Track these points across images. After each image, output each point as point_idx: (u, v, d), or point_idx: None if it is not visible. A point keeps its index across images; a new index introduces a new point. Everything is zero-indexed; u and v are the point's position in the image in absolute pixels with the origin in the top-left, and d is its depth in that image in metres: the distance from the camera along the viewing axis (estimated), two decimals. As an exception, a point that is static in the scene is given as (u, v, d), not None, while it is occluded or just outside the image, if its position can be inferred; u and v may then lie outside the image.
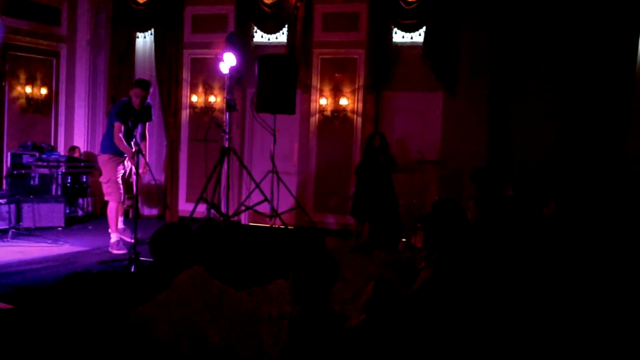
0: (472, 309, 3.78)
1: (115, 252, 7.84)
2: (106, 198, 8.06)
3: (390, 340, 3.51)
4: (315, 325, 2.58)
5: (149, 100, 8.00)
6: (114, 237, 7.97)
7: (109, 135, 7.87)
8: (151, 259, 6.97)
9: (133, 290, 4.12)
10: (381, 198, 9.26)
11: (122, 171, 7.99)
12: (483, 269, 4.01)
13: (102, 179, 8.01)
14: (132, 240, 7.12)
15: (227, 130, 8.96)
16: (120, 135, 7.63)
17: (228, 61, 8.79)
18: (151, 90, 8.02)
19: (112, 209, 7.94)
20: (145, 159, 7.90)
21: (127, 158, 7.92)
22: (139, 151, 7.12)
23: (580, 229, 5.72)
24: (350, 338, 3.55)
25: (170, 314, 2.40)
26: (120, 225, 8.15)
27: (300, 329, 2.48)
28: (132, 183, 7.87)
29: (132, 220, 7.21)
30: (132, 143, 7.35)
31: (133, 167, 7.50)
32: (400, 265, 6.59)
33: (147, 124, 8.22)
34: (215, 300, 2.44)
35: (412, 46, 10.15)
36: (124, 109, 7.74)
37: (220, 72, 9.35)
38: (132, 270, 6.65)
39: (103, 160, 7.98)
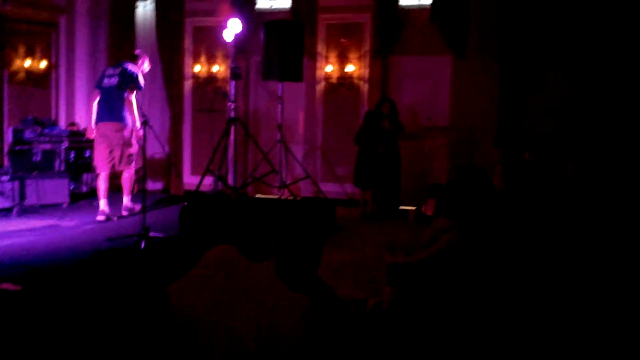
0: (500, 277, 3.65)
1: (130, 208, 8.20)
2: (125, 169, 8.17)
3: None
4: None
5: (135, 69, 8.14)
6: (125, 201, 8.28)
7: (123, 105, 7.95)
8: (160, 235, 6.81)
9: (159, 267, 3.93)
10: (385, 165, 9.08)
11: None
12: (512, 236, 3.86)
13: (133, 150, 8.07)
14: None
15: (234, 100, 8.73)
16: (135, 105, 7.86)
17: (233, 27, 8.53)
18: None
19: (132, 175, 8.31)
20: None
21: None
22: (145, 122, 6.94)
23: (603, 190, 5.53)
24: (380, 317, 3.40)
25: (205, 294, 2.22)
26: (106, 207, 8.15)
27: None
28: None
29: (139, 194, 7.14)
30: (139, 114, 7.28)
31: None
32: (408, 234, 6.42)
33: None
34: (248, 282, 2.26)
35: (420, 9, 9.86)
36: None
37: (224, 41, 9.09)
38: (142, 246, 6.48)
39: (130, 131, 8.06)
